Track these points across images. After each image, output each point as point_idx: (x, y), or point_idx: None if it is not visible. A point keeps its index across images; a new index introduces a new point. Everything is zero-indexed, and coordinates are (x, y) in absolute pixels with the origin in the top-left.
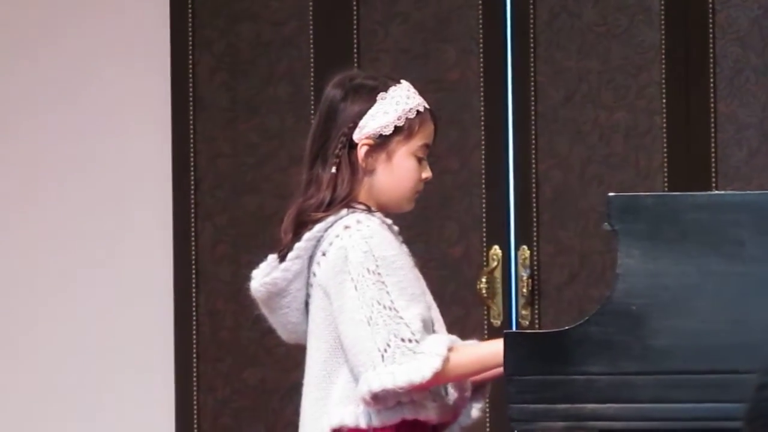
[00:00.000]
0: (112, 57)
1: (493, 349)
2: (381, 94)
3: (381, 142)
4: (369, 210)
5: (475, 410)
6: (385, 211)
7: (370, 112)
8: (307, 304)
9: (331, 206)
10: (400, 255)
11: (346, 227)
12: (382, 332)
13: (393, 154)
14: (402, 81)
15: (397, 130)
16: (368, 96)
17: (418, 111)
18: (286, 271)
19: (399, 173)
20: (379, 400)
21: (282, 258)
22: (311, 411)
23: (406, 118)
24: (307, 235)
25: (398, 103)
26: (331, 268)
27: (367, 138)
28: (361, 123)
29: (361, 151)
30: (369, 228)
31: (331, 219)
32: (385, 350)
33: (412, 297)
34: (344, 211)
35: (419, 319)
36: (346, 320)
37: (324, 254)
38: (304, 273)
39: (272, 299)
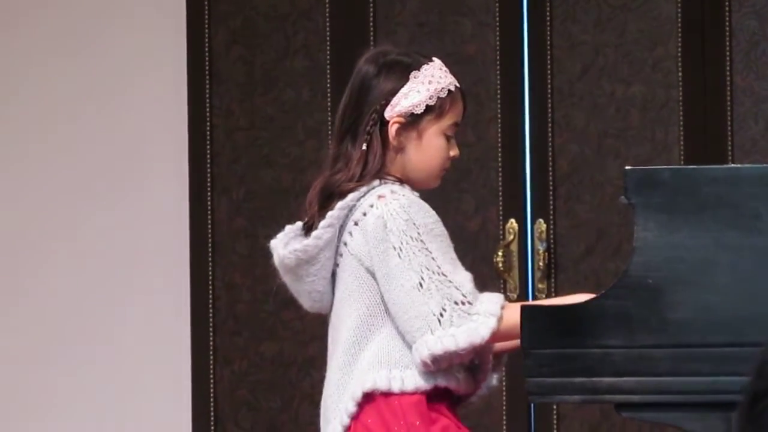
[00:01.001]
0: (128, 33)
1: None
2: (414, 73)
3: (412, 121)
4: (401, 182)
5: (494, 380)
6: (412, 187)
7: (403, 90)
8: (333, 273)
9: (362, 179)
10: (438, 222)
11: (381, 197)
12: (435, 296)
13: (423, 132)
14: (434, 59)
15: (429, 109)
16: (401, 74)
17: (449, 90)
18: (318, 239)
19: (428, 151)
20: (438, 362)
21: (307, 229)
22: (337, 376)
23: (438, 98)
24: (340, 204)
25: (431, 82)
26: (371, 238)
27: (398, 116)
28: (394, 101)
29: (392, 129)
30: (405, 197)
31: (364, 189)
32: (441, 314)
33: (454, 261)
34: (376, 182)
35: (468, 280)
36: (396, 287)
37: (356, 224)
38: (335, 242)
39: (301, 267)
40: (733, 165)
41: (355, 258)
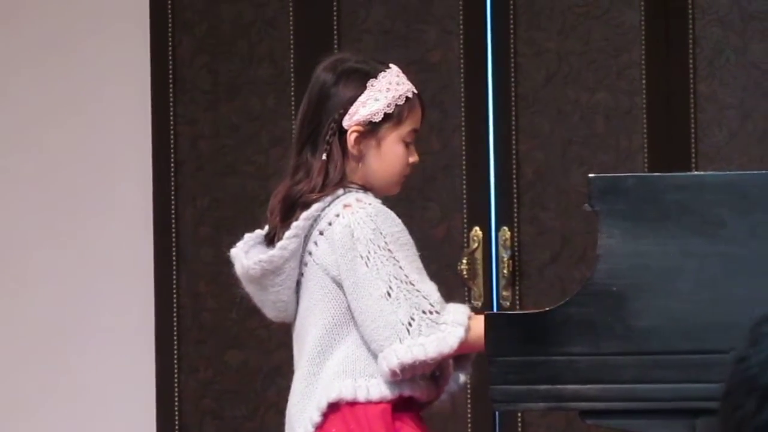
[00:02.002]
0: (92, 41)
1: None
2: (371, 81)
3: (371, 129)
4: (364, 189)
5: (462, 377)
6: (374, 194)
7: (361, 98)
8: (298, 282)
9: (325, 189)
10: (404, 231)
11: (346, 206)
12: (404, 306)
13: (382, 140)
14: (391, 66)
15: (387, 116)
16: (359, 82)
17: (407, 97)
18: (283, 249)
19: (388, 159)
20: (406, 371)
21: (270, 239)
22: (302, 385)
23: (396, 105)
24: (305, 214)
25: (388, 89)
26: (338, 248)
27: (357, 125)
28: (352, 109)
29: (351, 138)
30: (372, 206)
31: (328, 198)
32: (410, 323)
33: (421, 270)
34: (340, 191)
35: (435, 290)
36: (363, 297)
37: (321, 233)
38: (300, 252)
39: (266, 277)
40: (697, 172)
41: (321, 267)
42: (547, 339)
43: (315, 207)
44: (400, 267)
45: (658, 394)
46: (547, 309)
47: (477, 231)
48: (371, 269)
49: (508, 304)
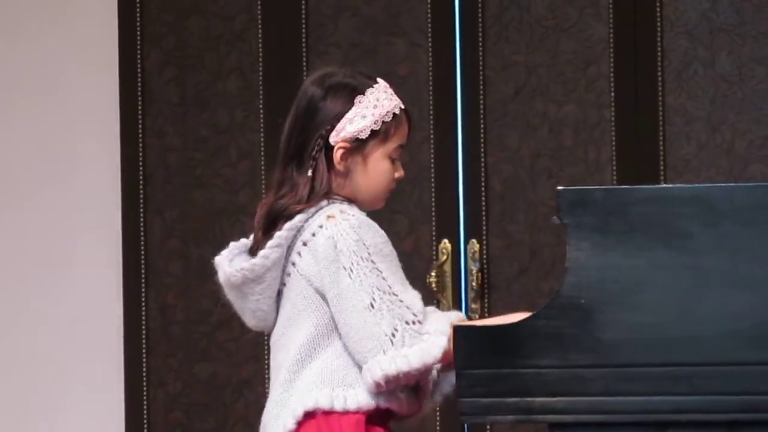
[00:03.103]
0: (60, 53)
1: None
2: (359, 97)
3: (357, 146)
4: (349, 201)
5: (448, 386)
6: (359, 208)
7: (348, 115)
8: (279, 292)
9: (309, 202)
10: (388, 242)
11: (330, 217)
12: (387, 317)
13: (368, 156)
14: (379, 80)
15: (374, 133)
16: (347, 98)
17: (394, 114)
18: (265, 258)
19: (374, 175)
20: (390, 383)
21: (253, 253)
22: (278, 392)
23: (383, 122)
24: (288, 225)
25: (375, 106)
26: (321, 259)
27: (343, 141)
28: (339, 126)
29: (338, 154)
30: (355, 217)
31: (311, 210)
32: (393, 334)
33: (404, 280)
34: (324, 202)
35: (418, 299)
36: (347, 308)
37: (305, 244)
38: (281, 262)
39: (247, 285)
40: (665, 185)
41: (304, 278)
42: (515, 351)
43: (299, 218)
44: (383, 278)
45: (627, 407)
46: (516, 321)
47: (446, 243)
48: (354, 281)
49: (477, 316)
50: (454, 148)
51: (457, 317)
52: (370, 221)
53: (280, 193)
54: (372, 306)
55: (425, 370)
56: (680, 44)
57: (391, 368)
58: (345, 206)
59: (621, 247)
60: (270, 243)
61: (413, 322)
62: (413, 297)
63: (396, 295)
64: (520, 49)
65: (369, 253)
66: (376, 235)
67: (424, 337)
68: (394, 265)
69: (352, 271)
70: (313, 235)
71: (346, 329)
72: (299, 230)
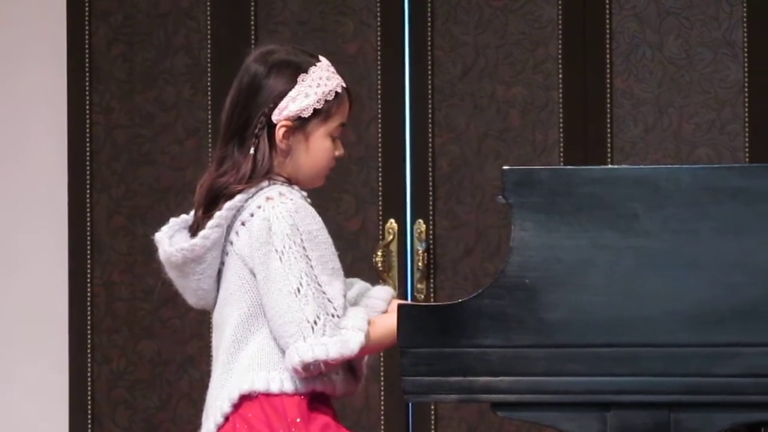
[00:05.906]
0: (7, 29)
1: None
2: (302, 76)
3: (299, 124)
4: (289, 183)
5: None
6: (299, 186)
7: (291, 93)
8: (219, 271)
9: (251, 181)
10: (323, 229)
11: (269, 198)
12: (311, 304)
13: (311, 135)
14: (321, 59)
15: (316, 112)
16: (290, 76)
17: (336, 92)
18: (205, 238)
19: (315, 153)
20: (309, 370)
21: (193, 231)
22: (218, 373)
23: (325, 101)
24: (227, 205)
25: (318, 85)
26: (255, 239)
27: (286, 119)
28: (282, 104)
29: (280, 133)
30: (293, 201)
31: (252, 190)
32: (315, 322)
33: (333, 272)
34: (265, 183)
35: (341, 294)
36: (274, 291)
37: (243, 224)
38: (222, 241)
39: (187, 265)
40: (610, 166)
41: (240, 258)
42: (458, 331)
43: (238, 198)
44: (312, 266)
45: (570, 387)
46: (460, 300)
47: (392, 223)
48: (284, 264)
49: (422, 296)
50: (401, 128)
51: (387, 293)
52: (308, 206)
53: (221, 170)
54: (298, 291)
55: (342, 361)
56: (629, 27)
57: (308, 355)
58: (285, 188)
59: (566, 228)
60: (210, 223)
61: (333, 315)
62: (337, 290)
63: (320, 286)
64: (469, 30)
65: (302, 239)
66: (312, 222)
67: (343, 331)
68: (327, 254)
69: (283, 254)
70: (252, 215)
71: (272, 312)
72: (239, 210)
